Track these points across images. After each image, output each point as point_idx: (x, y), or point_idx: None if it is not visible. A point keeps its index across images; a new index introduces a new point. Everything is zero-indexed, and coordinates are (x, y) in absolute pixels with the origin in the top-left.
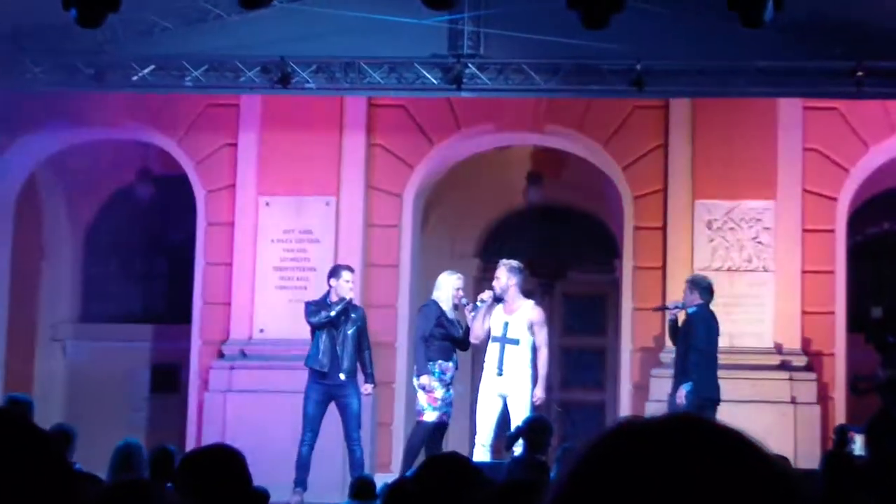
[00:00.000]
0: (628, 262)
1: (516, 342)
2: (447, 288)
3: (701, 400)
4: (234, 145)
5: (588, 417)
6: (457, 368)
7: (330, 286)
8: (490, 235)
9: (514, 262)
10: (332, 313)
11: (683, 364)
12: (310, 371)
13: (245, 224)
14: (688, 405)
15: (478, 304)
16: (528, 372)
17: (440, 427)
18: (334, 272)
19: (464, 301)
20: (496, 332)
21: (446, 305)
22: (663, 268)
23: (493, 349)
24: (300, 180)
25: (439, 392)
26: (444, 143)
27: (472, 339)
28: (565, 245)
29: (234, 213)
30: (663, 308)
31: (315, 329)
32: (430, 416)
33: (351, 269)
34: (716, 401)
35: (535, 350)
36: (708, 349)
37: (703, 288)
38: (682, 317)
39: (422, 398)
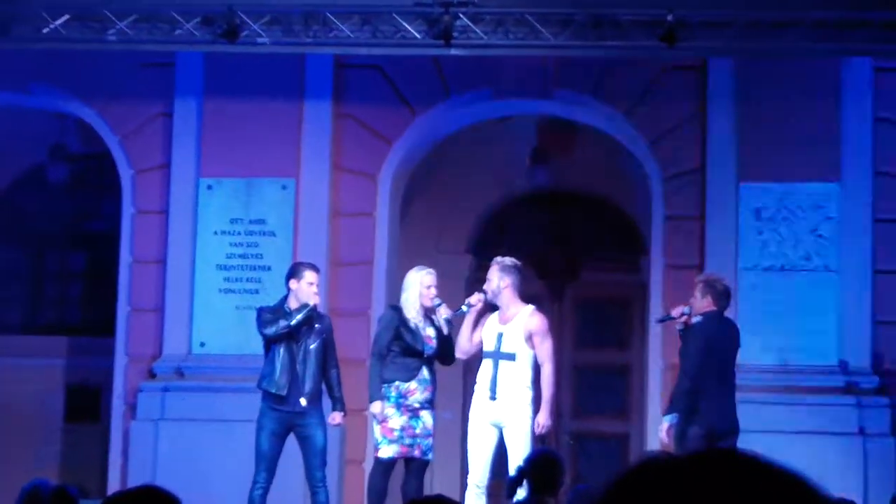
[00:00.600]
0: (657, 259)
1: (512, 357)
2: (415, 287)
3: (707, 433)
4: (170, 115)
5: (608, 452)
6: (434, 389)
7: (289, 289)
8: (486, 226)
9: (508, 260)
10: (293, 322)
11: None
12: (263, 395)
13: (182, 212)
14: (679, 441)
15: (463, 308)
16: (528, 394)
17: (418, 464)
18: (294, 272)
19: (436, 302)
20: (488, 346)
21: (413, 310)
22: (701, 266)
23: (485, 367)
24: (250, 159)
25: (396, 421)
26: (430, 113)
27: (459, 354)
28: (578, 238)
29: (168, 198)
30: (668, 318)
31: (270, 342)
32: (387, 452)
33: (315, 269)
34: (728, 432)
35: (537, 367)
36: (712, 368)
37: (718, 292)
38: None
39: (376, 430)
